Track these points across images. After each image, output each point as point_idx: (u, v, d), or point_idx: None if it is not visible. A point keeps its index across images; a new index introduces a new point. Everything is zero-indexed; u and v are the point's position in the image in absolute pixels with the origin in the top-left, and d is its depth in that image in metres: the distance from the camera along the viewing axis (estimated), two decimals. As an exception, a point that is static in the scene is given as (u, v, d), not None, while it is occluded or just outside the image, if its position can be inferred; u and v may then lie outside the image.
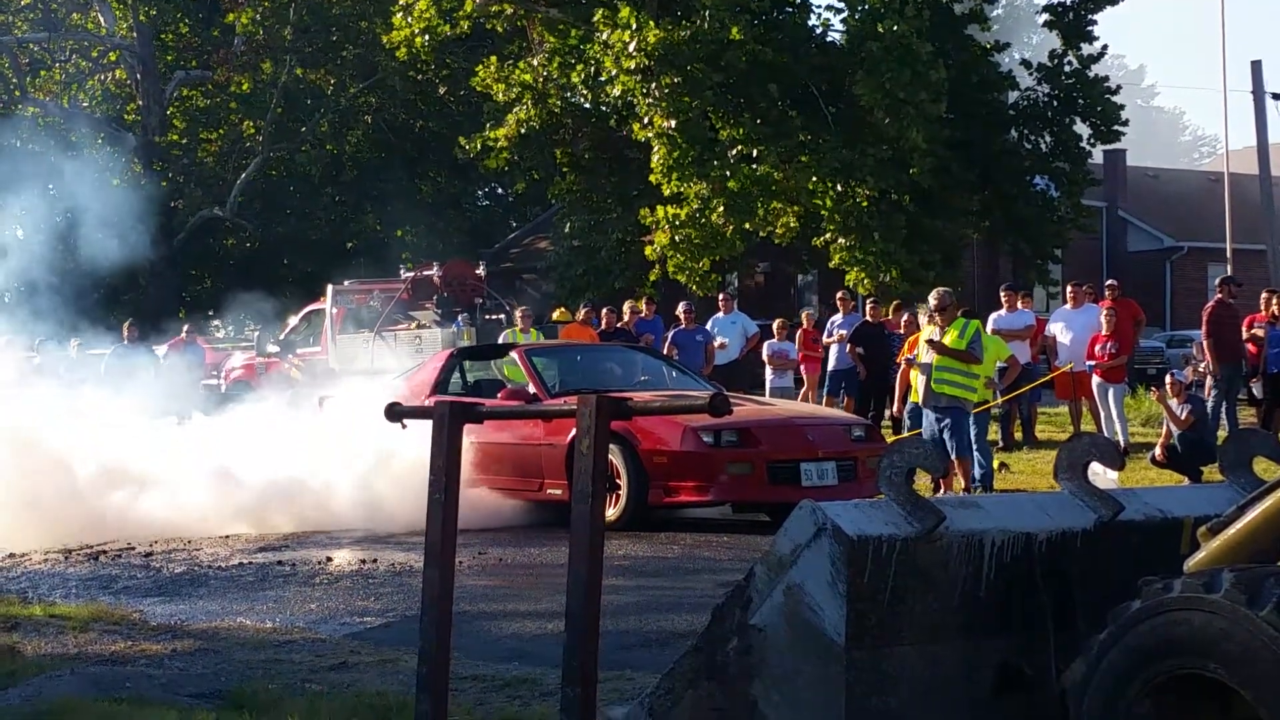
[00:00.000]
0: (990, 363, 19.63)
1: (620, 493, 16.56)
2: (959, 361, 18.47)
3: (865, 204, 35.67)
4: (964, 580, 5.84)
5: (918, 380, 18.92)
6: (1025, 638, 5.93)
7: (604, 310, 27.04)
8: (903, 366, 21.63)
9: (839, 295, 27.98)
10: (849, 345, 25.40)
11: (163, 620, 11.91)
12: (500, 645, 10.80)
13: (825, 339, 26.92)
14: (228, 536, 16.54)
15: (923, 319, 21.52)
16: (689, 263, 36.18)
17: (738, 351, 26.97)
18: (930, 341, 18.61)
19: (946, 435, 18.59)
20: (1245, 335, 23.19)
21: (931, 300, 19.32)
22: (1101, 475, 16.91)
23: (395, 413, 7.91)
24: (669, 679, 6.09)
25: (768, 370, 26.75)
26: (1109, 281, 26.79)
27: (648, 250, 37.21)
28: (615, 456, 16.33)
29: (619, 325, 26.52)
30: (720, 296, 29.04)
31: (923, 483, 18.77)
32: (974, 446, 19.13)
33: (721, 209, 34.98)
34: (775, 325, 27.26)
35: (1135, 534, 6.16)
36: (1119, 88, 41.34)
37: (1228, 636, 5.13)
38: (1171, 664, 5.29)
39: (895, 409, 22.35)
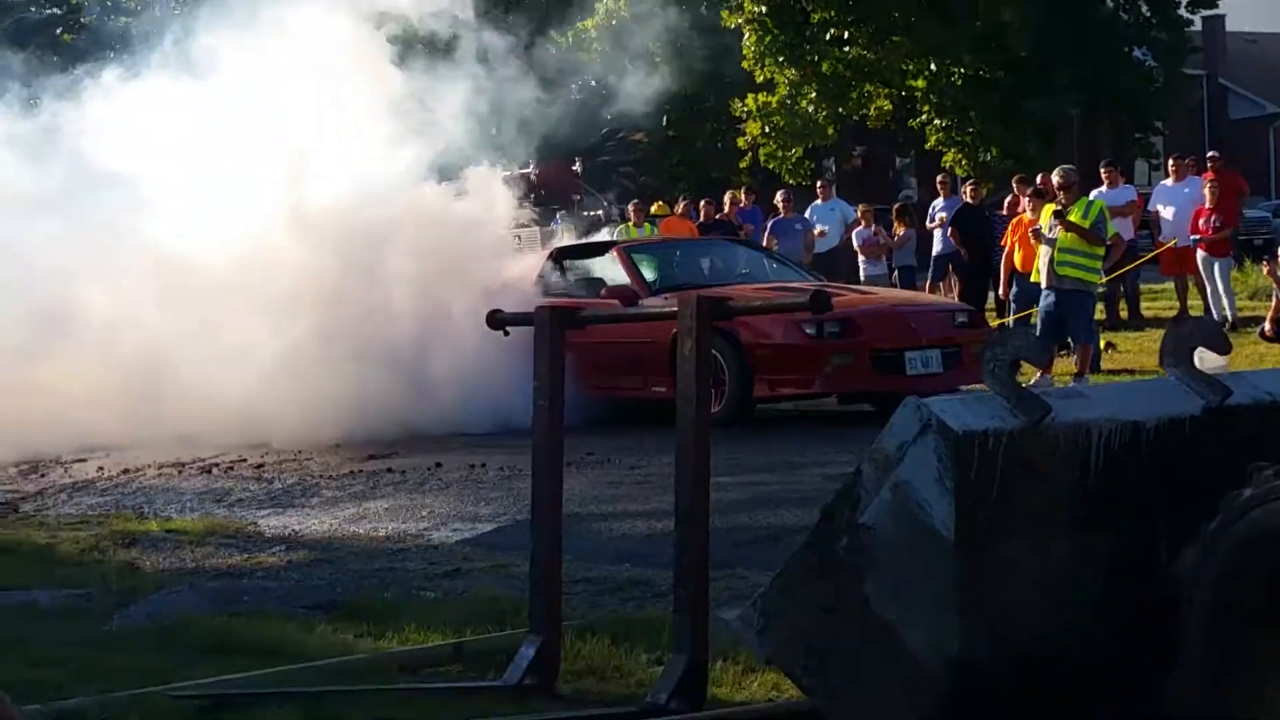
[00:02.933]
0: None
1: (724, 388, 16.57)
2: (1083, 241, 18.26)
3: (959, 83, 35.31)
4: (1072, 471, 5.81)
5: (1040, 261, 18.71)
6: (1136, 528, 5.90)
7: (702, 202, 26.96)
8: (1006, 249, 21.45)
9: (939, 179, 27.74)
10: (950, 229, 25.20)
11: (276, 532, 12.05)
12: (611, 546, 10.85)
13: (928, 224, 26.74)
14: (338, 445, 16.66)
15: (1025, 200, 21.32)
16: (780, 151, 36.01)
17: (837, 238, 26.81)
18: (1058, 214, 18.34)
19: (1068, 318, 18.43)
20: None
21: (1056, 178, 19.11)
22: (1210, 356, 16.81)
23: (498, 320, 7.95)
24: (781, 579, 6.10)
25: (860, 258, 26.59)
26: (1210, 153, 26.44)
27: (739, 140, 37.05)
28: (718, 351, 16.32)
29: (719, 217, 26.45)
30: (818, 184, 28.86)
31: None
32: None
33: (813, 95, 34.76)
34: (859, 212, 26.99)
35: (1245, 418, 6.10)
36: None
37: (1341, 522, 5.08)
38: (1285, 551, 5.25)
39: (1002, 291, 22.18)
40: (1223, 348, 6.36)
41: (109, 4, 46.81)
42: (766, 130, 35.82)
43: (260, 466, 15.42)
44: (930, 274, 26.55)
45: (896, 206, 27.38)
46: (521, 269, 19.17)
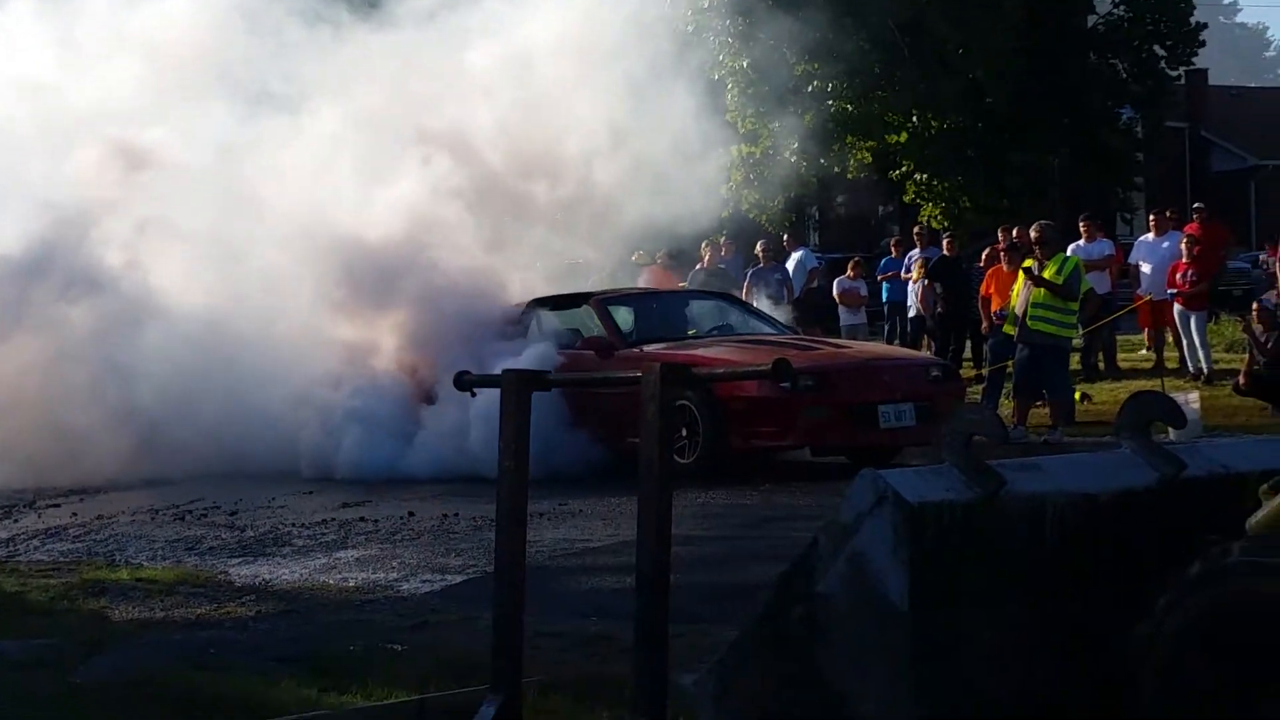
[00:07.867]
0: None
1: (698, 438, 16.60)
2: (1056, 298, 18.35)
3: (939, 137, 35.50)
4: (1026, 543, 5.84)
5: (1012, 316, 18.81)
6: (1090, 600, 5.93)
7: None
8: (982, 293, 21.44)
9: (915, 230, 27.91)
10: (926, 280, 25.27)
11: (247, 581, 12.03)
12: (579, 600, 10.86)
13: (903, 274, 26.82)
14: (311, 492, 16.70)
15: (1002, 254, 21.37)
16: (764, 200, 36.19)
17: (798, 288, 26.94)
18: (1027, 272, 18.47)
19: (1042, 372, 18.56)
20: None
21: (1032, 233, 19.20)
22: (1184, 403, 16.82)
23: (464, 382, 7.96)
24: (736, 646, 6.12)
25: (840, 308, 26.70)
26: (1195, 205, 26.61)
27: (723, 189, 37.23)
28: (692, 403, 16.38)
29: (698, 266, 26.47)
30: (784, 237, 29.05)
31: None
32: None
33: (795, 146, 34.93)
34: (850, 264, 27.20)
35: (1199, 491, 6.14)
36: (1194, 7, 40.95)
37: (1287, 601, 5.11)
38: (1233, 628, 5.27)
39: (983, 327, 21.90)
40: (1179, 422, 6.41)
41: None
42: (751, 179, 35.96)
43: (234, 514, 15.41)
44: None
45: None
46: None
